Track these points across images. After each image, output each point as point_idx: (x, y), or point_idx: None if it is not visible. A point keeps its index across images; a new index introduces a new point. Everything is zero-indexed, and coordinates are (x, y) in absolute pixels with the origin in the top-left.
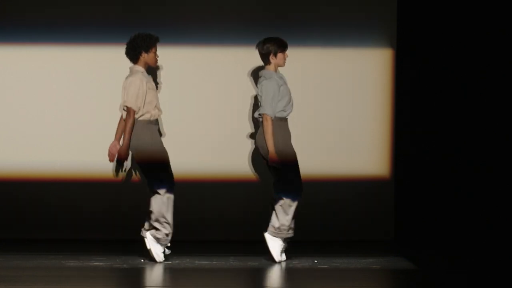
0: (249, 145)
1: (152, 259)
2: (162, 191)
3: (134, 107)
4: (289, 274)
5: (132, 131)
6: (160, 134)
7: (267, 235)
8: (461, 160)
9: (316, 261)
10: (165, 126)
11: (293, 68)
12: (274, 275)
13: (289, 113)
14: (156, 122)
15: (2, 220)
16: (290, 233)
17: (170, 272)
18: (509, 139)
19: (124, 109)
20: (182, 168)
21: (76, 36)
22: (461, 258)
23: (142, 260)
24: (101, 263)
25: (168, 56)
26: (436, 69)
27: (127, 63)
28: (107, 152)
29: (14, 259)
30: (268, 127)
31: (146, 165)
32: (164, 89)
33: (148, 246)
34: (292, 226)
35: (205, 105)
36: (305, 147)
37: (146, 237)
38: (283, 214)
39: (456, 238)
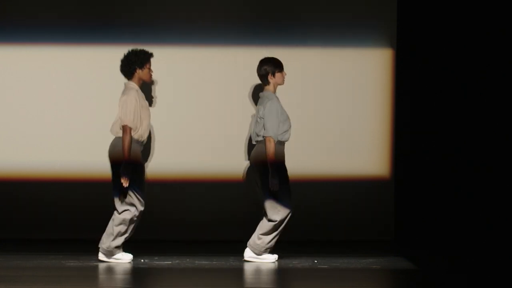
0: (248, 145)
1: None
2: (126, 208)
3: (131, 125)
4: (289, 274)
5: (130, 148)
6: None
7: (247, 256)
8: (461, 160)
9: (316, 261)
10: (165, 126)
11: (293, 68)
12: (274, 275)
13: (288, 137)
14: (142, 143)
15: (2, 220)
16: (266, 252)
17: (170, 272)
18: (509, 139)
19: (120, 128)
20: (182, 168)
21: (76, 36)
22: (461, 258)
23: (142, 260)
24: (101, 263)
25: (168, 56)
26: (436, 69)
27: None
28: (107, 152)
29: (14, 259)
30: (271, 150)
31: (120, 181)
32: (164, 89)
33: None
34: (271, 246)
35: (205, 105)
36: (305, 147)
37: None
38: (270, 237)
39: (456, 238)
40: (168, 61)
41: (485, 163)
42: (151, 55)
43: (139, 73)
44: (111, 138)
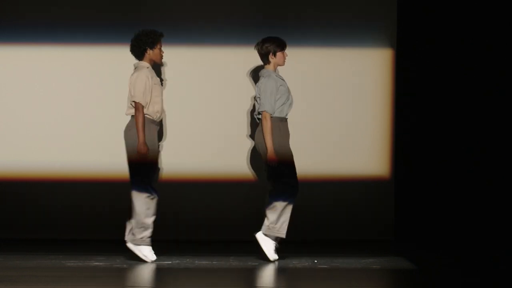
0: (248, 145)
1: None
2: (143, 194)
3: (142, 102)
4: (289, 274)
5: (144, 125)
6: (160, 138)
7: (258, 235)
8: (461, 160)
9: (316, 261)
10: (165, 126)
11: (293, 68)
12: (274, 275)
13: (287, 113)
14: (158, 123)
15: (2, 220)
16: (281, 233)
17: (171, 272)
18: (509, 139)
19: (132, 105)
20: (182, 168)
21: (76, 36)
22: (461, 258)
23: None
24: (101, 263)
25: (168, 56)
26: (436, 69)
27: (127, 63)
28: (107, 152)
29: (14, 259)
30: (267, 125)
31: (136, 164)
32: (164, 89)
33: (138, 253)
34: (284, 227)
35: (205, 105)
36: (305, 147)
37: (132, 248)
38: (276, 215)
39: (456, 238)
40: (168, 61)
41: (485, 163)
42: (161, 35)
43: (150, 53)
44: (111, 138)
